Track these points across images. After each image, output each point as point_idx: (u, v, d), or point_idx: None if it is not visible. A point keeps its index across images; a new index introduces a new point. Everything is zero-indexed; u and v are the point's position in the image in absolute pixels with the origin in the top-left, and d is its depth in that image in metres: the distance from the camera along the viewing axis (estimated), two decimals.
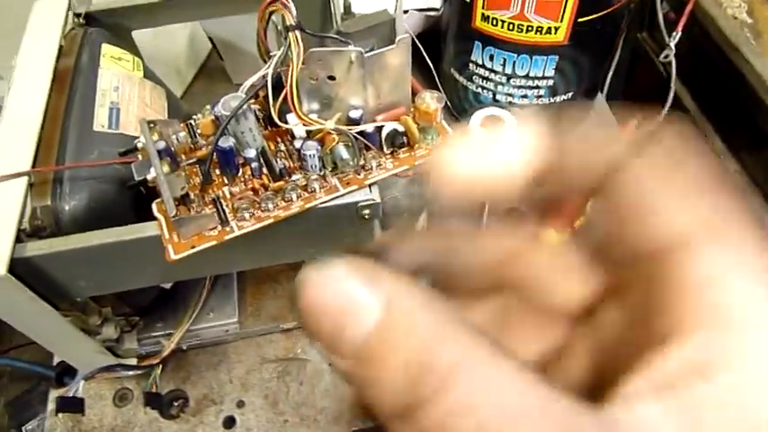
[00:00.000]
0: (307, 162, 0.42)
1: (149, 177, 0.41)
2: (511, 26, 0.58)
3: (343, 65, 0.41)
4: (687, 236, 0.12)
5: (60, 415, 0.56)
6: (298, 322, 0.59)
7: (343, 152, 0.42)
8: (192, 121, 0.47)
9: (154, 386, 0.55)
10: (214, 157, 0.41)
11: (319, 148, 0.41)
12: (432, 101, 0.42)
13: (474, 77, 0.66)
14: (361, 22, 0.42)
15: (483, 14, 0.59)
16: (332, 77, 0.42)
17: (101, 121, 0.50)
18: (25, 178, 0.44)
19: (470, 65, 0.65)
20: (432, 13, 0.72)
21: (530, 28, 0.57)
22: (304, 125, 0.41)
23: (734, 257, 0.12)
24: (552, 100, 0.66)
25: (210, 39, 0.74)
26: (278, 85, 0.44)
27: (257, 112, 0.46)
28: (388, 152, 0.44)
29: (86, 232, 0.42)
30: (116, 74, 0.53)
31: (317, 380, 0.56)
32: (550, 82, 0.63)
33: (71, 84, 0.51)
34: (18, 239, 0.42)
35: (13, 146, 0.46)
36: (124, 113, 0.51)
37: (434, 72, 0.72)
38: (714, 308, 0.11)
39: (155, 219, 0.41)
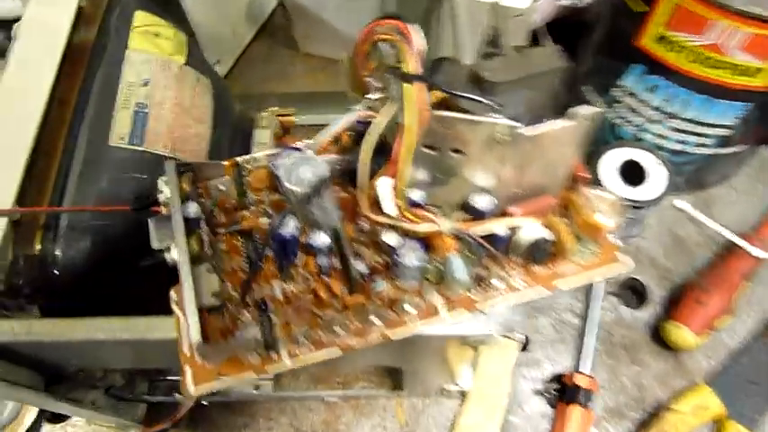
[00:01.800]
0: (400, 269, 0.28)
1: (170, 258, 0.28)
2: (698, 57, 0.41)
3: (482, 139, 0.26)
4: None
5: None
6: (343, 393, 0.47)
7: (460, 270, 0.27)
8: (243, 163, 0.33)
9: None
10: (268, 251, 0.28)
11: (425, 256, 0.27)
12: (607, 213, 0.27)
13: (617, 105, 0.49)
14: (514, 67, 0.27)
15: (659, 33, 0.42)
16: (459, 152, 0.27)
17: (120, 132, 0.36)
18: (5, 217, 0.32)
19: (617, 89, 0.48)
20: (567, 3, 0.55)
21: (724, 64, 0.40)
22: (408, 222, 0.27)
23: None
24: (718, 151, 0.49)
25: None
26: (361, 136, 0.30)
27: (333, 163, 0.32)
28: (519, 263, 0.30)
29: (73, 320, 0.30)
30: (149, 58, 0.39)
31: None
32: (726, 132, 0.47)
33: (86, 71, 0.37)
34: None
35: None
36: (153, 121, 0.37)
37: None
38: None
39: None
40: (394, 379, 0.46)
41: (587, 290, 0.52)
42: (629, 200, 0.47)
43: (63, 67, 0.37)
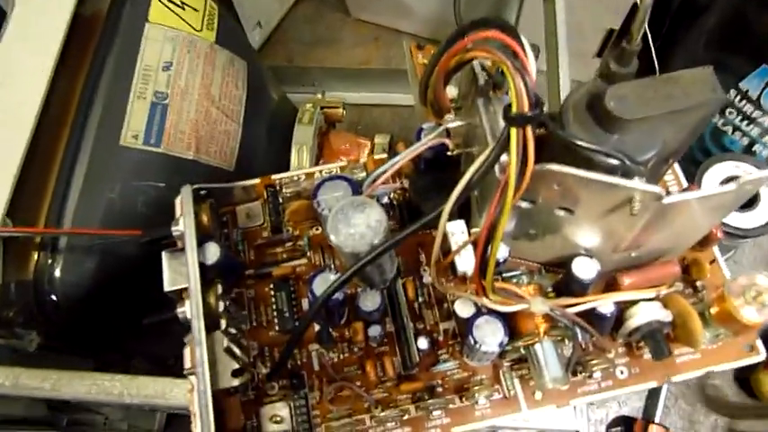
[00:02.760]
0: (473, 349, 0.22)
1: (181, 314, 0.22)
2: None
3: (607, 202, 0.19)
4: None
5: None
6: None
7: (553, 363, 0.21)
8: (277, 186, 0.26)
9: None
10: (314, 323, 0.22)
11: (505, 340, 0.21)
12: (762, 308, 0.20)
13: (729, 110, 0.41)
14: (652, 99, 0.19)
15: None
16: (569, 210, 0.20)
17: (134, 128, 0.30)
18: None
19: (733, 92, 0.40)
20: None
21: None
22: (491, 301, 0.20)
23: None
24: None
25: None
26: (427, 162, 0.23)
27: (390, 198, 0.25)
28: (623, 347, 0.23)
29: (63, 374, 0.25)
30: (172, 36, 0.32)
31: None
32: None
33: (96, 51, 0.31)
34: None
35: None
36: (174, 115, 0.31)
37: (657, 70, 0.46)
38: None
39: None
40: None
41: None
42: (733, 227, 0.40)
43: (67, 45, 0.30)
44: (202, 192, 0.25)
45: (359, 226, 0.20)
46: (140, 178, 0.30)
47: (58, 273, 0.28)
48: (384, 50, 0.53)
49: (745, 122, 0.41)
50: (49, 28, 0.30)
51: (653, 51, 0.45)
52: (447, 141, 0.23)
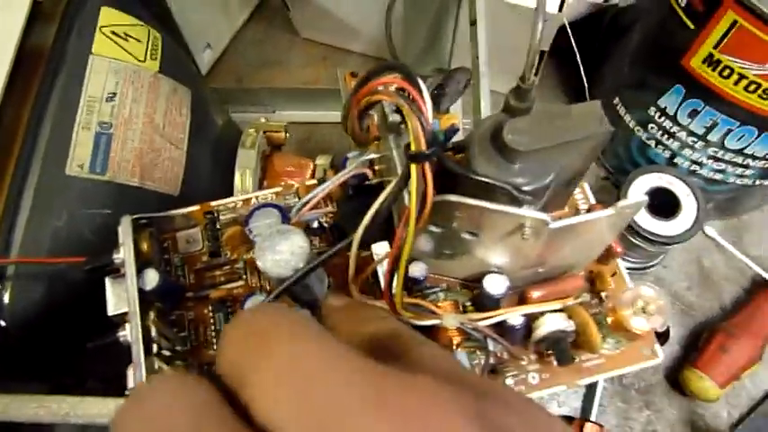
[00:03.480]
0: None
1: (122, 337, 0.24)
2: (753, 87, 0.35)
3: (503, 227, 0.21)
4: None
5: None
6: None
7: (463, 363, 0.23)
8: (215, 213, 0.28)
9: None
10: None
11: None
12: (650, 317, 0.22)
13: (651, 126, 0.44)
14: (545, 132, 0.21)
15: (711, 56, 0.36)
16: (474, 234, 0.22)
17: (79, 158, 0.31)
18: None
19: (653, 109, 0.43)
20: (601, 0, 0.48)
21: None
22: (406, 317, 0.22)
23: None
24: (758, 182, 0.44)
25: None
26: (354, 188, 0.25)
27: (321, 222, 0.27)
28: (535, 355, 0.25)
29: (15, 397, 0.26)
30: (116, 68, 0.33)
31: None
32: None
33: (42, 81, 0.32)
34: None
35: None
36: (118, 144, 0.32)
37: (587, 91, 0.49)
38: None
39: None
40: None
41: None
42: (656, 234, 0.42)
43: (13, 76, 0.32)
44: (143, 221, 0.26)
45: (284, 253, 0.22)
46: (87, 206, 0.31)
47: (6, 300, 0.29)
48: (332, 70, 0.55)
49: (666, 137, 0.44)
50: None
51: (581, 69, 0.49)
52: (367, 171, 0.25)
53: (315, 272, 0.24)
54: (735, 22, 0.33)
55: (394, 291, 0.21)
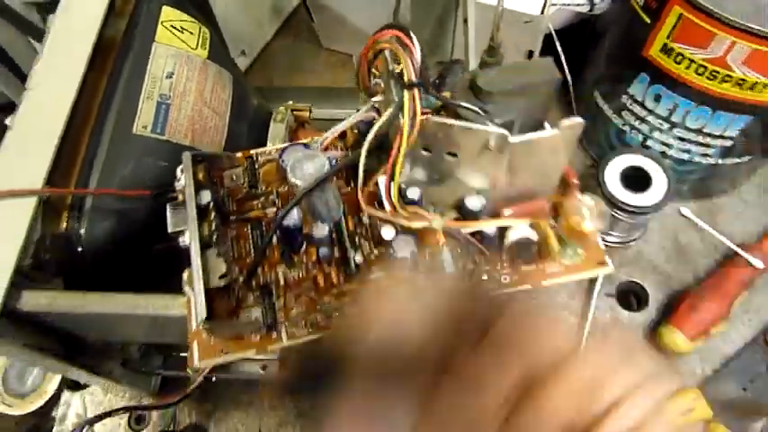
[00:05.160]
0: (393, 261, 0.30)
1: (183, 242, 0.31)
2: (701, 70, 0.42)
3: (474, 145, 0.28)
4: None
5: None
6: None
7: (448, 263, 0.29)
8: (254, 157, 0.35)
9: (172, 424, 0.47)
10: (273, 239, 0.30)
11: (415, 250, 0.29)
12: (590, 218, 0.29)
13: (625, 113, 0.50)
14: (509, 78, 0.28)
15: (665, 45, 0.43)
16: (453, 155, 0.29)
17: (144, 121, 0.39)
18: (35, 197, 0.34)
19: (625, 97, 0.49)
20: (580, 9, 0.56)
21: (728, 78, 0.41)
22: (401, 220, 0.29)
23: None
24: (721, 161, 0.50)
25: None
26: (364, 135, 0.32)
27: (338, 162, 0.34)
28: (507, 262, 0.31)
29: (94, 295, 0.33)
30: (173, 53, 0.41)
31: None
32: (728, 143, 0.47)
33: (115, 62, 0.40)
34: (19, 273, 0.33)
35: (31, 146, 0.35)
36: (175, 111, 0.40)
37: (571, 88, 0.56)
38: None
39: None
40: None
41: (586, 289, 0.53)
42: (630, 205, 0.49)
43: (94, 57, 0.39)
44: (198, 158, 0.33)
45: (309, 169, 0.29)
46: (148, 159, 0.38)
47: (83, 230, 0.36)
48: (350, 74, 0.63)
49: (638, 122, 0.50)
50: (80, 45, 0.39)
51: (566, 69, 0.56)
52: (374, 114, 0.32)
53: (333, 194, 0.31)
54: (681, 15, 0.40)
55: (393, 195, 0.28)
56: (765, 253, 0.51)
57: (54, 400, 0.52)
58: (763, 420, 0.47)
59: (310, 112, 0.46)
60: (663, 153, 0.51)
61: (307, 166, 0.29)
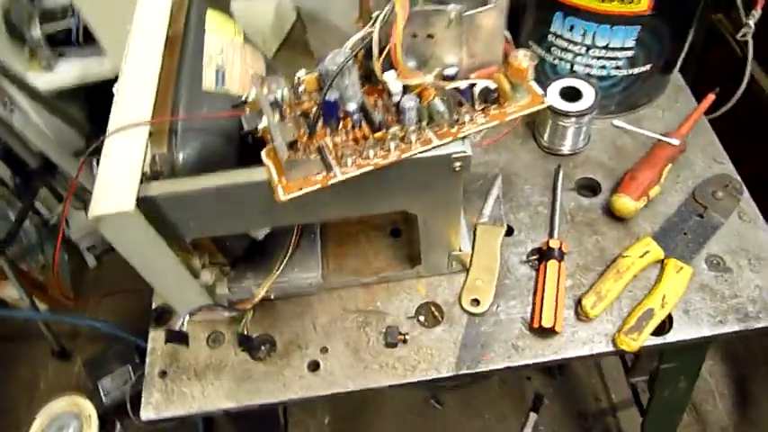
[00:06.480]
0: (405, 115, 0.45)
1: (260, 127, 0.45)
2: None
3: (442, 23, 0.44)
4: None
5: (160, 352, 0.61)
6: (377, 277, 0.63)
7: (440, 105, 0.44)
8: (296, 79, 0.50)
9: (245, 329, 0.59)
10: (320, 109, 0.45)
11: (418, 101, 0.44)
12: (524, 59, 0.44)
13: (552, 49, 0.67)
14: None
15: None
16: (431, 36, 0.45)
17: (209, 82, 0.54)
18: (147, 128, 0.49)
19: (549, 36, 0.66)
20: None
21: None
22: (405, 78, 0.44)
23: None
24: (630, 71, 0.67)
25: (298, 10, 0.78)
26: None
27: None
28: (480, 108, 0.46)
29: (201, 175, 0.46)
30: (220, 39, 0.57)
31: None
32: (630, 53, 0.64)
33: (181, 47, 0.55)
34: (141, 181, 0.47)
35: (135, 100, 0.50)
36: (228, 74, 0.55)
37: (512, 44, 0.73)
38: None
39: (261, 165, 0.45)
40: (413, 261, 0.62)
41: (552, 187, 0.68)
42: (570, 112, 0.65)
43: (166, 47, 0.55)
44: (262, 79, 0.48)
45: (339, 58, 0.44)
46: (215, 104, 0.53)
47: (180, 146, 0.50)
48: None
49: (563, 53, 0.67)
50: (155, 37, 0.55)
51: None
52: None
53: (356, 76, 0.46)
54: None
55: (399, 58, 0.43)
56: (680, 135, 0.67)
57: None
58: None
59: None
60: (588, 74, 0.67)
61: (338, 58, 0.44)
